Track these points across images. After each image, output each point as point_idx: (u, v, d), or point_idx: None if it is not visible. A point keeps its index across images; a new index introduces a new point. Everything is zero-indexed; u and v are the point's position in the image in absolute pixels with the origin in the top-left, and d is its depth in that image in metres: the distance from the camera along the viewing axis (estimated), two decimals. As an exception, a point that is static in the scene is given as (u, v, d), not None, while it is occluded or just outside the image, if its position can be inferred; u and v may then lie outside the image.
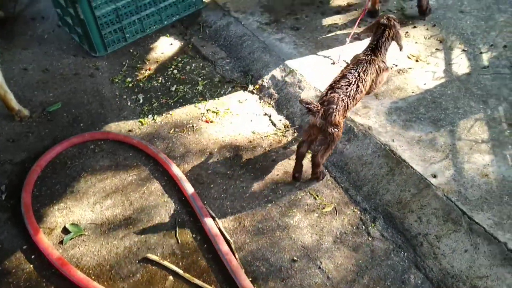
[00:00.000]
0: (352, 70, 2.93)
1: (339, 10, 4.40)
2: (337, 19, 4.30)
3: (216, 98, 3.80)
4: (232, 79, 3.96)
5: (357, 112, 3.39)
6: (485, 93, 3.48)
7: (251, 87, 3.86)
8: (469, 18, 4.20)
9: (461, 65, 3.74)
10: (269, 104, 3.73)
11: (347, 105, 2.85)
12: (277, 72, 3.85)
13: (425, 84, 3.58)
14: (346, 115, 2.96)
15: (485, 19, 4.16)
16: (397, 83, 3.61)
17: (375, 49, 3.09)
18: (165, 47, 4.32)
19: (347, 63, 3.80)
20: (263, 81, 3.87)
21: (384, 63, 3.12)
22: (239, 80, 3.94)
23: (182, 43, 4.36)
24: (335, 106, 2.77)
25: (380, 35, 3.11)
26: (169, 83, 3.96)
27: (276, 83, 3.81)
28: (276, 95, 3.75)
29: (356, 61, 3.02)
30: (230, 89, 3.88)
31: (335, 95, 2.81)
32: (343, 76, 2.91)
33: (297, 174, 3.12)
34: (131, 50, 4.28)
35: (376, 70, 3.05)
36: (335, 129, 2.81)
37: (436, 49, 3.90)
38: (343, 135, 3.30)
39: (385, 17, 3.18)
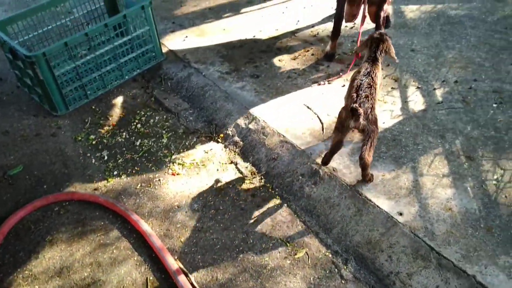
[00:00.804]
0: (364, 77, 3.17)
1: (296, 56, 4.53)
2: (295, 64, 4.42)
3: (182, 150, 3.81)
4: (196, 129, 3.99)
5: (321, 154, 3.45)
6: (441, 128, 3.61)
7: (215, 136, 3.89)
8: (420, 56, 4.39)
9: (416, 102, 3.89)
10: (235, 152, 3.76)
11: (374, 106, 3.10)
12: (240, 120, 3.91)
13: (384, 122, 3.69)
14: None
15: (435, 56, 4.37)
16: (358, 124, 3.71)
17: (374, 60, 3.30)
18: (128, 101, 4.33)
19: (309, 108, 3.90)
20: (227, 129, 3.91)
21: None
22: (203, 130, 3.97)
23: (145, 96, 4.38)
24: (370, 106, 3.03)
25: (375, 48, 3.33)
26: (133, 137, 3.95)
27: (240, 131, 3.85)
28: (241, 142, 3.79)
29: (363, 71, 3.23)
30: (195, 140, 3.90)
31: (365, 97, 3.05)
32: (361, 83, 3.13)
33: (328, 161, 3.32)
34: (93, 107, 4.27)
35: (380, 77, 3.29)
36: (374, 126, 3.04)
37: (392, 88, 4.05)
38: (309, 178, 3.35)
39: (377, 32, 3.41)
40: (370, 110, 3.03)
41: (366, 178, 3.21)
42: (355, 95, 3.08)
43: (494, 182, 3.18)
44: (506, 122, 3.62)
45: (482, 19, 4.88)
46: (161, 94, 4.37)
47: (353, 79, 3.24)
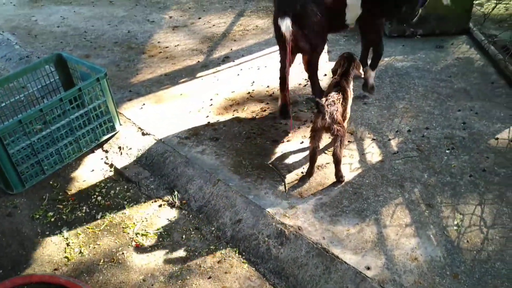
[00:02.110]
0: (336, 86, 3.76)
1: (254, 116, 4.61)
2: (253, 124, 4.49)
3: (144, 220, 3.74)
4: (158, 197, 3.94)
5: (285, 213, 3.46)
6: (399, 177, 3.70)
7: (178, 203, 3.85)
8: (372, 108, 4.55)
9: (373, 153, 3.99)
10: (199, 218, 3.71)
11: (341, 109, 3.64)
12: (202, 185, 3.89)
13: (344, 176, 3.75)
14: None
15: (387, 108, 4.54)
16: (318, 179, 3.76)
17: (346, 74, 3.84)
18: (87, 174, 4.25)
19: (270, 166, 3.93)
20: (190, 195, 3.87)
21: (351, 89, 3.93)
22: (165, 198, 3.92)
23: (104, 167, 4.32)
24: (336, 108, 3.54)
25: (348, 65, 3.88)
26: (94, 211, 3.86)
27: (203, 196, 3.83)
28: (205, 207, 3.76)
29: (335, 82, 3.81)
30: (157, 208, 3.84)
31: (331, 101, 3.58)
32: (329, 91, 3.74)
33: (312, 171, 3.82)
34: (51, 182, 4.17)
35: (349, 91, 3.84)
36: (340, 127, 3.53)
37: (349, 141, 4.14)
38: (275, 239, 3.33)
39: (346, 53, 3.99)
40: (335, 112, 3.52)
41: (338, 174, 3.69)
42: (324, 99, 3.59)
43: (455, 227, 3.25)
44: (460, 167, 3.75)
45: (427, 69, 5.14)
46: (120, 164, 4.31)
47: (327, 89, 3.87)
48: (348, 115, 3.95)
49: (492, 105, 4.48)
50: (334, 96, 3.62)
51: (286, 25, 3.74)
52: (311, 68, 4.27)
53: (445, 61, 5.26)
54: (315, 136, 3.61)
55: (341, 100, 3.65)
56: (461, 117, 4.32)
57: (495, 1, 6.38)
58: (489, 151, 3.91)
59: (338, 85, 3.75)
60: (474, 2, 5.78)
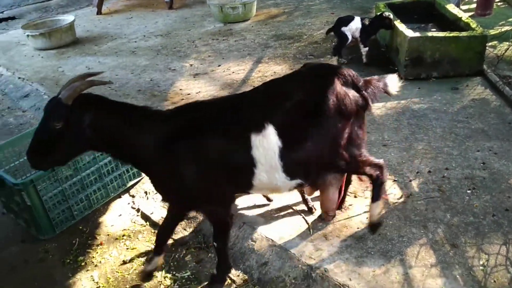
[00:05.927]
0: None
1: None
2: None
3: (172, 263, 3.81)
4: (186, 241, 4.02)
5: (310, 255, 3.51)
6: (422, 218, 3.75)
7: (205, 247, 3.92)
8: (392, 150, 4.64)
9: (395, 194, 4.05)
10: (225, 260, 3.78)
11: None
12: (228, 228, 3.97)
13: (367, 218, 3.81)
14: None
15: (407, 150, 4.62)
16: (342, 222, 3.82)
17: None
18: (114, 219, 4.37)
19: (293, 209, 4.00)
20: (215, 238, 3.95)
21: None
22: (192, 241, 4.00)
23: (131, 212, 4.44)
24: None
25: None
26: (123, 255, 3.95)
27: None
28: (231, 250, 3.81)
29: None
30: (184, 251, 3.92)
31: None
32: None
33: None
34: (81, 227, 4.29)
35: None
36: None
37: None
38: (302, 281, 3.38)
39: None
40: None
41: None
42: None
43: (481, 267, 3.27)
44: (482, 207, 3.79)
45: (443, 110, 5.24)
46: (147, 209, 4.43)
47: None
48: None
49: (510, 144, 4.55)
50: None
51: None
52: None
53: (461, 103, 5.37)
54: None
55: None
56: (481, 157, 4.39)
57: (508, 43, 6.54)
58: (511, 190, 3.95)
59: None
60: (487, 44, 5.94)
